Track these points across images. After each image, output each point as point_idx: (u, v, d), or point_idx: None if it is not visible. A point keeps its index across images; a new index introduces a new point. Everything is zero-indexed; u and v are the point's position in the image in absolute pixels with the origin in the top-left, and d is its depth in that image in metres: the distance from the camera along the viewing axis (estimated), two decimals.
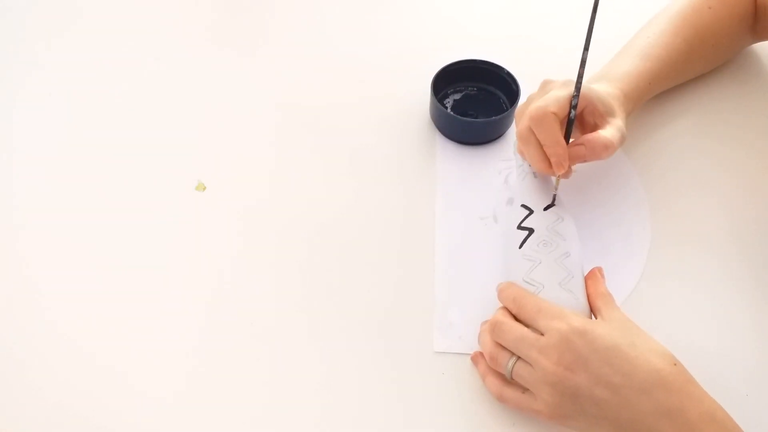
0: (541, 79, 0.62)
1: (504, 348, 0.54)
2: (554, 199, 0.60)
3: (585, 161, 0.59)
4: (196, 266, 0.65)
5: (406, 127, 0.75)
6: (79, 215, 0.69)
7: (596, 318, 0.54)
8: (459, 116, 0.71)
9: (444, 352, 0.59)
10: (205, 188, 0.70)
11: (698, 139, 0.73)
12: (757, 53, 0.80)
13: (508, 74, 0.73)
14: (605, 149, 0.58)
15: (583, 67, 0.56)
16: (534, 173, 0.61)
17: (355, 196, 0.70)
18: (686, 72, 0.73)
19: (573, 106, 0.57)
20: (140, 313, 0.62)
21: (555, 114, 0.57)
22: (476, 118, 0.72)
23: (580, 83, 0.57)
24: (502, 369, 0.54)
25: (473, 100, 0.75)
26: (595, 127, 0.60)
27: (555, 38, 0.82)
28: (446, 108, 0.73)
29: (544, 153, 0.58)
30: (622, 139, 0.60)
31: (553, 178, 0.61)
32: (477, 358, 0.58)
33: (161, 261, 0.65)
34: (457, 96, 0.75)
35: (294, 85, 0.80)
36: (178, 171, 0.71)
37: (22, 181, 0.72)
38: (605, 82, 0.65)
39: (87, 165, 0.73)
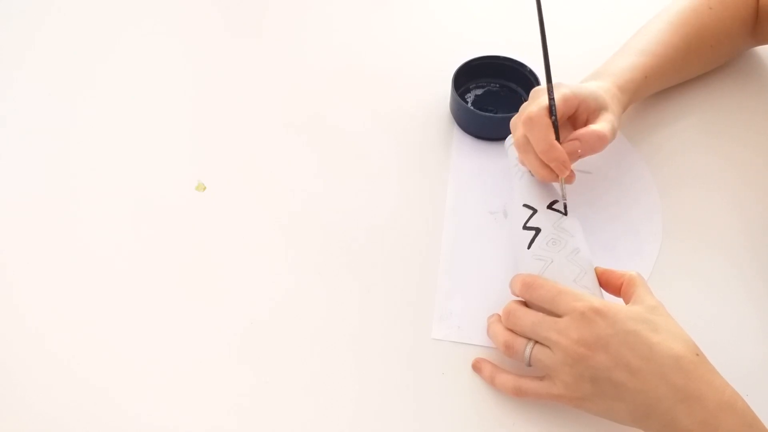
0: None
1: (518, 335, 0.54)
2: (566, 208, 0.60)
3: (581, 156, 0.60)
4: (196, 266, 0.64)
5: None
6: (78, 215, 0.68)
7: (628, 303, 0.54)
8: (477, 111, 0.71)
9: (441, 340, 0.59)
10: (205, 188, 0.69)
11: (709, 137, 0.73)
12: None
13: (531, 72, 0.72)
14: (599, 140, 0.59)
15: (549, 72, 0.58)
16: (530, 171, 0.62)
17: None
18: (684, 70, 0.73)
19: (553, 113, 0.58)
20: (139, 314, 0.62)
21: (546, 118, 0.58)
22: (495, 114, 0.72)
23: (552, 89, 0.58)
24: (519, 355, 0.54)
25: (494, 96, 0.75)
26: (587, 123, 0.61)
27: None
28: (467, 102, 0.74)
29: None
30: (614, 132, 0.61)
31: (557, 186, 0.61)
32: (479, 364, 0.58)
33: (161, 261, 0.65)
34: (479, 91, 0.75)
35: (301, 79, 0.79)
36: (178, 171, 0.71)
37: (20, 180, 0.71)
38: (600, 79, 0.66)
39: (86, 165, 0.72)
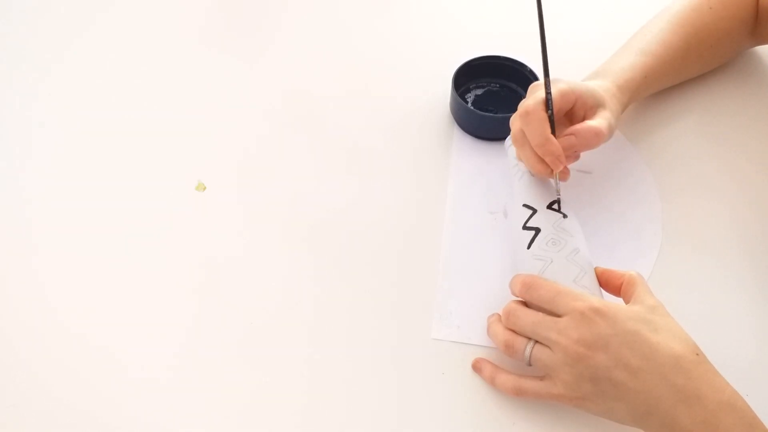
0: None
1: (519, 335, 0.55)
2: (559, 204, 0.60)
3: (577, 151, 0.60)
4: (196, 266, 0.64)
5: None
6: (79, 215, 0.68)
7: (628, 302, 0.54)
8: (477, 110, 0.71)
9: (441, 340, 0.59)
10: (205, 188, 0.69)
11: (709, 137, 0.73)
12: None
13: (531, 72, 0.72)
14: (595, 136, 0.59)
15: (547, 66, 0.59)
16: (530, 171, 0.62)
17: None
18: (684, 70, 0.74)
19: (549, 107, 0.58)
20: (139, 313, 0.61)
21: (543, 112, 0.58)
22: (495, 114, 0.72)
23: (549, 82, 0.59)
24: (520, 355, 0.54)
25: (495, 96, 0.75)
26: (584, 120, 0.61)
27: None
28: (467, 102, 0.74)
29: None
30: (610, 129, 0.61)
31: (553, 181, 0.61)
32: (480, 363, 0.58)
33: (161, 261, 0.65)
34: (479, 91, 0.75)
35: (301, 79, 0.79)
36: (178, 171, 0.71)
37: (21, 180, 0.71)
38: (600, 78, 0.66)
39: (87, 165, 0.72)
